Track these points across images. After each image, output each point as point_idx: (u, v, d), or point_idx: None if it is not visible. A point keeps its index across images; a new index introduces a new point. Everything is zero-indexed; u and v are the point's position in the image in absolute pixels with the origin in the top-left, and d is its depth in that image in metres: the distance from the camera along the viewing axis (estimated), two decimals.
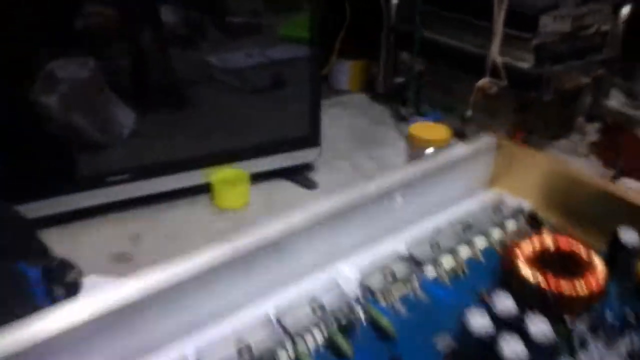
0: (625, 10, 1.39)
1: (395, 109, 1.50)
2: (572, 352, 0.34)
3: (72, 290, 0.85)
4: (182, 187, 1.10)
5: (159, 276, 0.33)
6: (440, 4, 1.32)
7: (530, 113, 1.25)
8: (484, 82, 1.18)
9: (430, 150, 1.08)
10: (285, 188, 1.18)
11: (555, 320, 0.34)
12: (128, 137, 1.13)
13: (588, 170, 1.22)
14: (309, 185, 1.17)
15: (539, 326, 0.31)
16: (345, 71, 1.62)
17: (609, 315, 0.36)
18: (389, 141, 1.38)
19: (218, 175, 1.08)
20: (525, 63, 1.16)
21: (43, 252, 0.87)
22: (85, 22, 1.11)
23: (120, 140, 1.14)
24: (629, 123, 1.26)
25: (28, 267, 0.82)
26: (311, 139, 1.18)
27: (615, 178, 1.04)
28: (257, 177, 1.15)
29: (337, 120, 1.49)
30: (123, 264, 0.96)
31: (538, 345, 0.30)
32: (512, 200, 0.48)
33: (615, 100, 1.50)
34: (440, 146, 1.07)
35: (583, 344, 0.34)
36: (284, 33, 1.21)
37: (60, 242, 1.00)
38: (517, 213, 0.47)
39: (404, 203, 0.45)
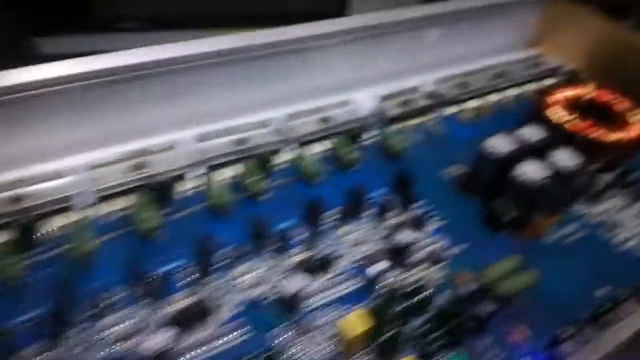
0: None
1: None
2: (595, 196, 0.32)
3: None
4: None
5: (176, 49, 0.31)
6: None
7: None
8: None
9: None
10: None
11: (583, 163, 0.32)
12: None
13: None
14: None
15: (565, 156, 0.29)
16: None
17: (638, 174, 0.34)
18: None
19: None
20: None
21: None
22: None
23: None
24: None
25: None
26: (337, 11, 1.11)
27: None
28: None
29: None
30: None
31: (561, 171, 0.28)
32: (555, 61, 0.44)
33: None
34: None
35: (606, 192, 0.32)
36: None
37: None
38: (556, 71, 0.43)
39: (437, 41, 0.41)
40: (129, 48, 1.00)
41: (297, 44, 0.34)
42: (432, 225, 0.29)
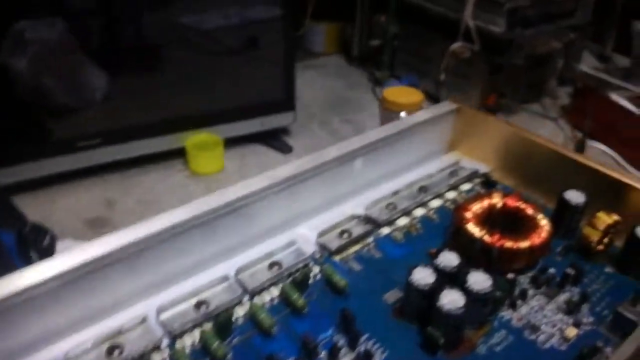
0: None
1: (371, 72, 1.50)
2: (512, 303, 0.36)
3: (46, 254, 0.86)
4: (156, 151, 1.10)
5: (122, 239, 0.35)
6: None
7: (502, 76, 1.26)
8: (457, 46, 1.19)
9: (403, 114, 1.09)
10: (260, 152, 1.19)
11: (498, 275, 0.36)
12: (100, 100, 1.12)
13: (558, 133, 1.25)
14: (284, 149, 1.18)
15: (478, 279, 0.33)
16: (321, 33, 1.61)
17: (552, 271, 0.39)
18: (365, 105, 1.38)
19: (192, 139, 1.08)
20: (498, 27, 1.16)
21: (17, 217, 0.87)
22: None
23: (92, 103, 1.13)
24: (599, 86, 1.28)
25: (2, 232, 0.83)
26: (286, 102, 1.18)
27: (582, 141, 1.07)
28: (232, 142, 1.15)
29: (313, 83, 1.49)
30: (98, 228, 0.97)
31: (476, 296, 0.32)
32: (470, 164, 0.50)
33: (587, 64, 1.52)
34: (413, 110, 1.08)
35: (524, 296, 0.37)
36: None
37: (35, 207, 1.00)
38: (472, 176, 0.49)
39: (364, 167, 0.46)
40: (90, 165, 1.04)
41: (237, 202, 0.39)
42: (378, 358, 0.32)
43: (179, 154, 1.11)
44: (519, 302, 0.36)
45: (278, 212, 0.41)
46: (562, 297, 0.37)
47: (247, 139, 1.19)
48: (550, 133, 1.27)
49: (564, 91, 1.40)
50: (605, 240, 0.40)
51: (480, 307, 0.34)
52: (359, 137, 0.46)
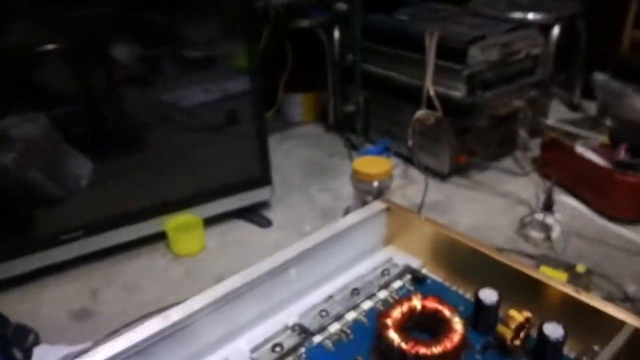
0: (556, 30, 1.47)
1: (347, 137, 1.56)
2: None
3: (30, 352, 0.88)
4: (138, 237, 1.14)
5: None
6: (378, 39, 1.38)
7: (470, 137, 1.31)
8: (421, 113, 1.24)
9: (375, 184, 1.13)
10: (241, 227, 1.22)
11: None
12: (85, 187, 1.16)
13: (529, 187, 1.28)
14: (264, 223, 1.22)
15: None
16: (297, 103, 1.68)
17: None
18: (342, 171, 1.43)
19: (172, 222, 1.12)
20: (459, 92, 1.22)
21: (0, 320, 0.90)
22: (34, 77, 1.14)
23: (77, 191, 1.17)
24: (567, 138, 1.32)
25: None
26: (262, 178, 1.22)
27: (549, 198, 1.10)
28: (212, 220, 1.19)
29: (291, 153, 1.55)
30: (83, 320, 0.99)
31: None
32: (403, 259, 0.53)
33: (557, 113, 1.57)
34: (383, 179, 1.13)
35: None
36: (237, 65, 1.23)
37: (20, 303, 1.04)
38: (403, 273, 0.52)
39: (299, 275, 0.50)
40: (74, 257, 1.07)
41: (176, 325, 0.42)
42: None
43: (160, 237, 1.15)
44: None
45: (215, 328, 0.44)
46: None
47: (226, 216, 1.23)
48: (521, 188, 1.30)
49: (536, 143, 1.45)
50: (521, 335, 0.43)
51: None
52: (293, 246, 0.50)
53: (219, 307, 0.44)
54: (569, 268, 0.94)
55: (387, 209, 0.55)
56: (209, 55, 1.27)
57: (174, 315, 0.42)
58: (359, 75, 1.41)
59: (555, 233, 1.08)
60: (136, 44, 1.20)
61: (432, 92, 1.23)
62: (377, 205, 0.55)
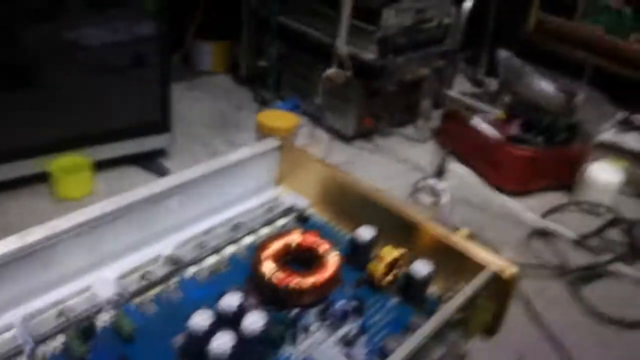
0: (468, 3, 1.51)
1: (258, 92, 1.53)
2: (294, 339, 0.39)
3: None
4: (21, 175, 1.05)
5: None
6: None
7: (378, 101, 1.33)
8: (331, 72, 1.24)
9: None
10: (134, 175, 1.16)
11: (284, 312, 0.39)
12: None
13: (426, 154, 1.33)
14: (160, 172, 1.17)
15: (254, 319, 0.35)
16: (208, 52, 1.61)
17: (341, 304, 0.42)
18: (249, 125, 1.39)
19: (57, 163, 1.04)
20: (370, 54, 1.23)
21: None
22: None
23: None
24: (467, 110, 1.38)
25: None
26: (161, 124, 1.17)
27: (441, 164, 1.15)
28: (105, 164, 1.13)
29: (198, 103, 1.49)
30: None
31: (247, 336, 0.35)
32: (291, 199, 0.53)
33: (458, 88, 1.63)
34: (286, 135, 1.12)
35: (306, 331, 0.40)
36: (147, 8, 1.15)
37: None
38: (288, 211, 0.51)
39: (182, 205, 0.48)
40: None
41: (35, 246, 0.38)
42: None
43: (47, 178, 1.07)
44: (302, 336, 0.39)
45: (81, 254, 0.42)
46: (342, 331, 0.40)
47: (121, 161, 1.17)
48: (420, 154, 1.35)
49: (439, 113, 1.50)
50: (394, 272, 0.44)
51: (255, 347, 0.36)
52: (176, 174, 0.47)
53: (85, 231, 0.41)
54: (453, 231, 0.99)
55: (281, 147, 0.54)
56: None
57: (34, 235, 0.39)
58: (275, 27, 1.38)
59: (444, 199, 1.13)
60: None
61: (344, 51, 1.22)
62: (270, 142, 0.54)
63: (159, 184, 0.46)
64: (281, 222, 0.50)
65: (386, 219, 0.47)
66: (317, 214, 0.52)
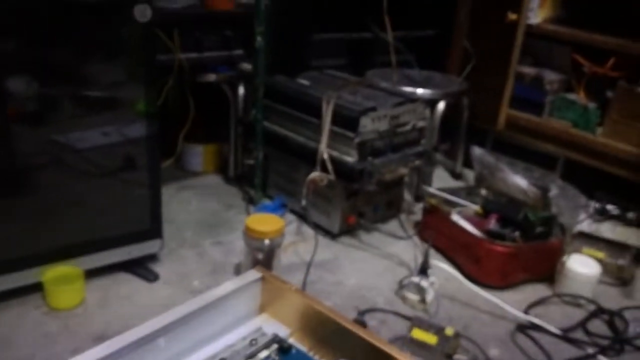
0: (441, 105, 1.62)
1: (246, 191, 1.58)
2: None
3: None
4: (12, 288, 1.07)
5: None
6: (280, 100, 1.44)
7: (359, 199, 1.39)
8: (314, 175, 1.30)
9: (267, 241, 1.16)
10: (125, 281, 1.18)
11: None
12: None
13: (410, 250, 1.37)
14: (150, 277, 1.19)
15: None
16: (199, 154, 1.68)
17: None
18: (238, 225, 1.44)
19: (49, 273, 1.07)
20: (350, 157, 1.30)
21: None
22: None
23: None
24: (446, 205, 1.43)
25: None
26: (152, 230, 1.20)
27: (424, 263, 1.18)
28: (95, 271, 1.15)
29: (188, 203, 1.54)
30: None
31: None
32: (273, 328, 0.56)
33: (438, 182, 1.70)
34: (274, 237, 1.16)
35: None
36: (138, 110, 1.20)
37: None
38: (270, 342, 0.54)
39: (168, 344, 0.51)
40: None
41: None
42: None
43: (37, 288, 1.09)
44: None
45: None
46: None
47: (111, 268, 1.19)
48: (403, 250, 1.39)
49: (420, 207, 1.55)
50: None
51: None
52: (162, 315, 0.51)
53: None
54: (439, 331, 1.01)
55: (262, 278, 0.58)
56: (109, 98, 1.24)
57: None
58: (260, 132, 1.46)
59: (430, 296, 1.16)
60: (34, 80, 1.16)
61: (326, 156, 1.29)
62: (252, 275, 0.58)
63: (147, 326, 0.49)
64: (263, 354, 0.53)
65: (362, 349, 0.50)
66: (298, 343, 0.55)
